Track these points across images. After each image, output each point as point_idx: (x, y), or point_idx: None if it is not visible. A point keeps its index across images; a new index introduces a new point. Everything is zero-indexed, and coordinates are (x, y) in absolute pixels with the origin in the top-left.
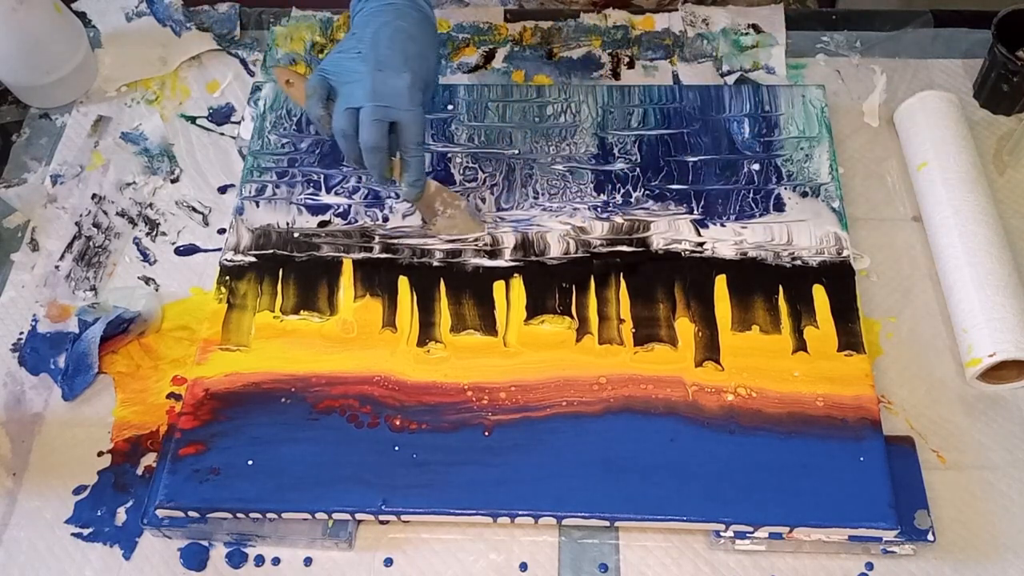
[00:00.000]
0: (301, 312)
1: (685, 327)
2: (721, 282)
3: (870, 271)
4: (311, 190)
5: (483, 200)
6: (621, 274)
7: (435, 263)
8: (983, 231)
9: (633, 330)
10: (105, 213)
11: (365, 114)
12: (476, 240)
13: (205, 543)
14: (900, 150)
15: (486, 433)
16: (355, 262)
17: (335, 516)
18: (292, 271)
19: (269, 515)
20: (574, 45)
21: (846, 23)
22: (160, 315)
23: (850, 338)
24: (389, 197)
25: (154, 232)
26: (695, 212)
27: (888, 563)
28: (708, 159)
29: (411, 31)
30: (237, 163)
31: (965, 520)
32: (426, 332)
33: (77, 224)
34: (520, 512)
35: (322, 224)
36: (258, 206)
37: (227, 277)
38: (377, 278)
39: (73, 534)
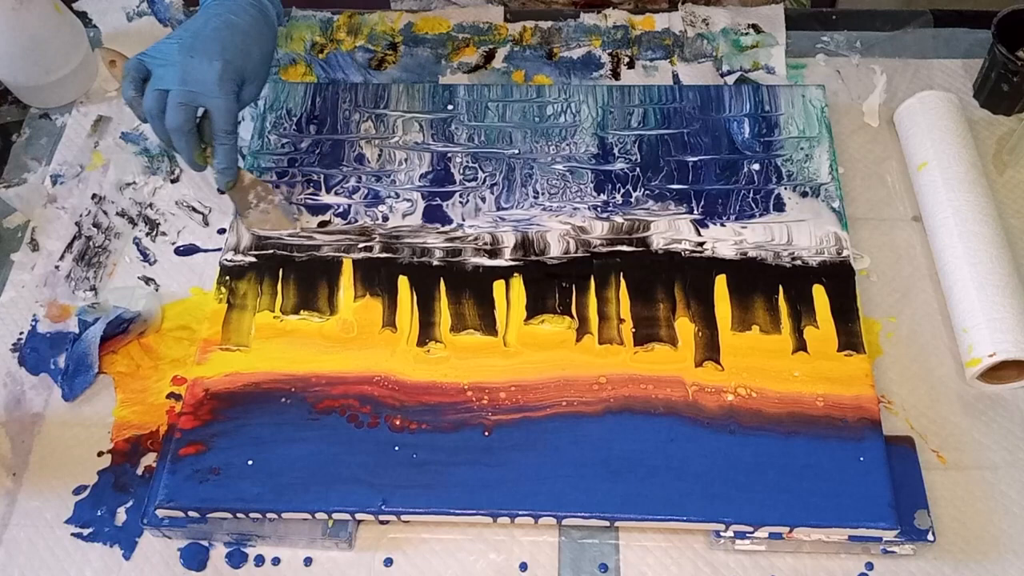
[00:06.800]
0: (301, 312)
1: (685, 327)
2: (721, 282)
3: (870, 271)
4: (311, 190)
5: (483, 199)
6: (621, 274)
7: (435, 263)
8: (983, 231)
9: (633, 330)
10: (105, 213)
11: (172, 97)
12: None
13: (205, 543)
14: (900, 150)
15: (486, 433)
16: (355, 262)
17: (335, 516)
18: (292, 271)
19: (269, 515)
20: (574, 45)
21: (846, 23)
22: (160, 315)
23: (850, 338)
24: (389, 197)
25: (154, 232)
26: (695, 212)
27: (888, 563)
28: (708, 159)
29: (241, 26)
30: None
31: (965, 520)
32: (426, 332)
33: (77, 224)
34: (520, 512)
35: (322, 224)
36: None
37: (227, 277)
38: (377, 278)
39: (73, 534)
